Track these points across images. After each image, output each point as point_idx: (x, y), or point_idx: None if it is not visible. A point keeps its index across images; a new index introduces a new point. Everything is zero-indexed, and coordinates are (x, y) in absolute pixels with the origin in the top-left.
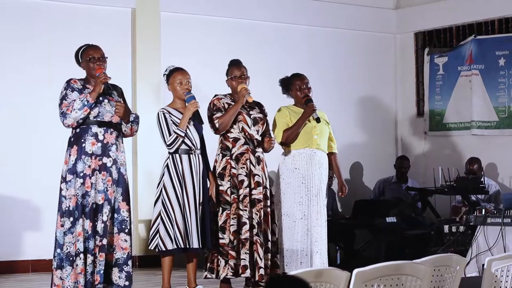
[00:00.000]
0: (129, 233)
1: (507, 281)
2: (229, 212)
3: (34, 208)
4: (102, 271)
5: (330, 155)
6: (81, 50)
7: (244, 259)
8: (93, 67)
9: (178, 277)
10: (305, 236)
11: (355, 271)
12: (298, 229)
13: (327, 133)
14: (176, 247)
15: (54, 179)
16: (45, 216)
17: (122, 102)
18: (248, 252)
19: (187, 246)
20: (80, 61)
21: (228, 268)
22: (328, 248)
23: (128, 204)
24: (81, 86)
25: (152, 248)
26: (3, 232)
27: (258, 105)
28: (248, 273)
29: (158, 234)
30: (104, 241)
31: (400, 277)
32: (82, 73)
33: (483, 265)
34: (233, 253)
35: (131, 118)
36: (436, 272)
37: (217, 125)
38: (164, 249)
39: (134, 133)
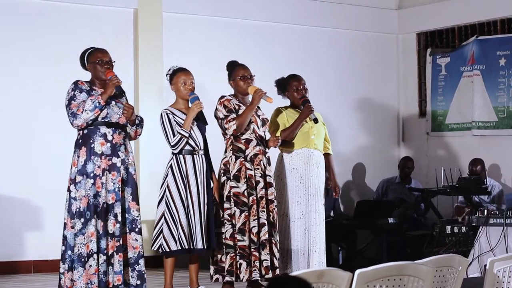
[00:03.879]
0: (140, 233)
1: (509, 282)
2: (247, 214)
3: (36, 209)
4: (123, 271)
5: (325, 155)
6: (87, 53)
7: (266, 260)
8: (102, 70)
9: (180, 277)
10: (303, 235)
11: (357, 271)
12: (297, 229)
13: (323, 133)
14: (180, 248)
15: (55, 179)
16: (47, 217)
17: (129, 104)
18: (269, 253)
19: (192, 247)
20: (86, 63)
21: (255, 270)
22: (330, 248)
23: (138, 203)
24: (89, 88)
25: (155, 249)
26: (5, 233)
27: (258, 106)
28: (270, 274)
29: (161, 235)
30: (121, 242)
31: (402, 278)
32: (84, 75)
33: (485, 265)
34: (257, 255)
35: (137, 121)
36: (438, 272)
37: (234, 126)
38: (168, 250)
39: (137, 136)
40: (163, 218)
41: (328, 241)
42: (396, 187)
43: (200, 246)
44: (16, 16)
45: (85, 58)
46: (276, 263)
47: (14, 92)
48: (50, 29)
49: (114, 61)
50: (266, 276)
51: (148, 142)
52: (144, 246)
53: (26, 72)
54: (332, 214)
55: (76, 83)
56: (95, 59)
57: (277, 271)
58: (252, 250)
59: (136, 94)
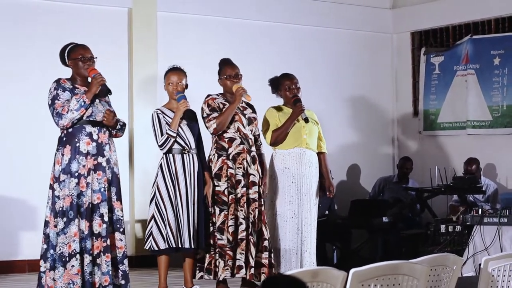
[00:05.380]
0: (124, 232)
1: (503, 281)
2: (227, 212)
3: (31, 208)
4: (110, 272)
5: (320, 154)
6: (68, 49)
7: (239, 259)
8: (84, 67)
9: (174, 277)
10: (296, 235)
11: (352, 270)
12: (290, 228)
13: (316, 132)
14: (168, 246)
15: None
16: (42, 216)
17: (111, 108)
18: (243, 252)
19: (179, 246)
20: (67, 59)
21: (228, 269)
22: (324, 247)
23: (121, 203)
24: (71, 86)
25: (147, 248)
26: (0, 232)
27: (249, 105)
28: (242, 273)
29: (151, 234)
30: (108, 242)
31: (396, 277)
32: (67, 73)
33: (479, 264)
34: (231, 253)
35: (118, 126)
36: (432, 272)
37: (214, 125)
38: (156, 248)
39: (117, 138)
40: (153, 218)
41: (322, 240)
42: (393, 186)
43: (187, 245)
44: (9, 15)
45: (66, 54)
46: (252, 262)
47: (9, 92)
48: (44, 28)
49: (96, 57)
50: (237, 275)
51: (142, 142)
52: (137, 245)
53: (20, 72)
54: (327, 213)
55: (58, 82)
56: (77, 56)
57: (252, 270)
58: (227, 249)
59: (131, 93)
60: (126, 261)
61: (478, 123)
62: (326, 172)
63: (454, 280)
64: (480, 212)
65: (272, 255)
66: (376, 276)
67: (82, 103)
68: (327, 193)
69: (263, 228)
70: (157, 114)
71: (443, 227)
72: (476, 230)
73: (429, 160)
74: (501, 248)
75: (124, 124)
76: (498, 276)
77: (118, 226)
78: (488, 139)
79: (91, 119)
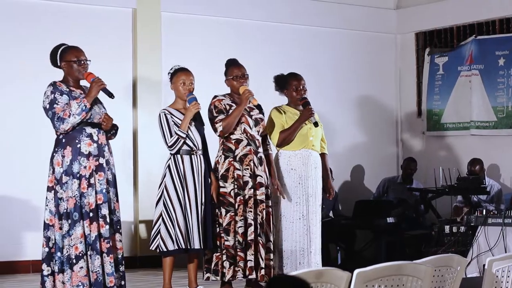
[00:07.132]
0: (121, 233)
1: (508, 282)
2: (233, 214)
3: (34, 208)
4: (115, 273)
5: (321, 155)
6: (60, 50)
7: (251, 260)
8: (79, 70)
9: (179, 277)
10: (304, 236)
11: (356, 271)
12: (297, 230)
13: (321, 134)
14: (177, 247)
15: None
16: None
17: (108, 115)
18: (253, 253)
19: (188, 247)
20: (60, 61)
21: (239, 270)
22: (328, 248)
23: (119, 204)
24: (68, 89)
25: (153, 249)
26: (4, 232)
27: (257, 106)
28: (254, 274)
29: (159, 235)
30: (111, 243)
31: (401, 278)
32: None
33: (484, 265)
34: (242, 255)
35: (112, 131)
36: (437, 272)
37: (221, 128)
38: (165, 249)
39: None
40: (160, 218)
41: (326, 241)
42: (397, 187)
43: (197, 246)
44: (13, 16)
45: (58, 56)
46: (262, 263)
47: (12, 91)
48: (48, 28)
49: (90, 60)
50: (250, 277)
51: (147, 142)
52: (142, 246)
53: (23, 71)
54: (331, 214)
55: (54, 85)
56: (72, 58)
57: (263, 272)
58: (238, 250)
59: (135, 93)
60: (123, 262)
61: (482, 124)
62: (327, 174)
63: (458, 281)
64: (484, 213)
65: (274, 256)
66: (380, 276)
67: (83, 107)
68: (327, 195)
69: (269, 230)
70: (165, 114)
71: (447, 228)
72: (480, 231)
73: (433, 160)
74: (505, 249)
75: (117, 128)
76: (503, 277)
77: (118, 227)
78: (492, 139)
79: (89, 121)
